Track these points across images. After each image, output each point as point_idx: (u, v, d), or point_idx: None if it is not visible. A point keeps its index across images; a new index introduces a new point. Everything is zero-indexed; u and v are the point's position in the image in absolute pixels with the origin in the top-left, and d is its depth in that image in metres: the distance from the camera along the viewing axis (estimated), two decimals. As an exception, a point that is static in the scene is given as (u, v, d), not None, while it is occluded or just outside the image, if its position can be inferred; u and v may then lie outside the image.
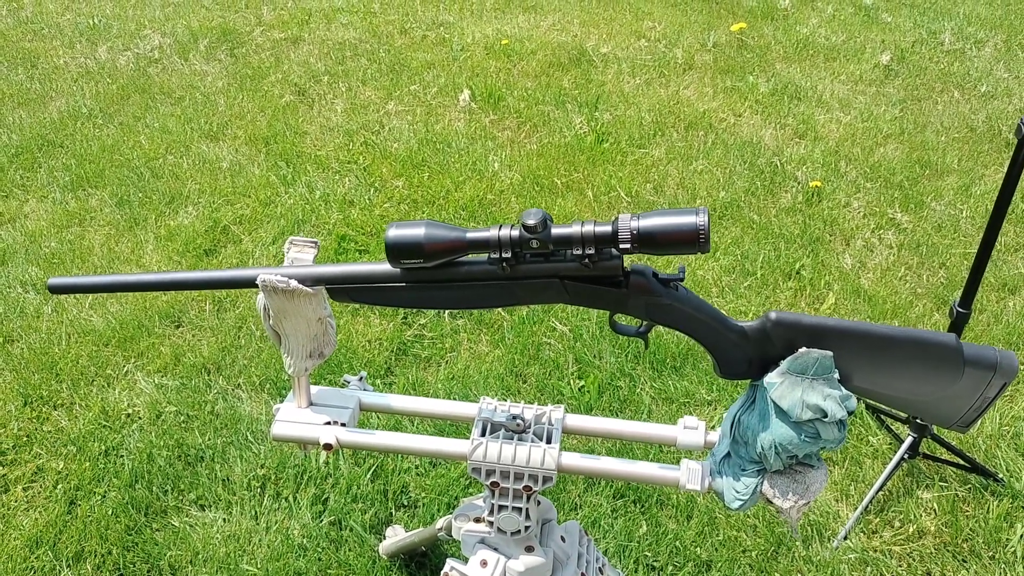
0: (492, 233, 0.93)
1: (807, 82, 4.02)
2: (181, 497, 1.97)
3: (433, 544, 1.76)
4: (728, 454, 1.04)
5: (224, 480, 2.00)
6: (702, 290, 2.64)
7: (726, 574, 1.80)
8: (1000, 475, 1.99)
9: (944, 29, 4.57)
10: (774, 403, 0.96)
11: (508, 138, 3.56)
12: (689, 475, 1.05)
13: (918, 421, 1.93)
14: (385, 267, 1.00)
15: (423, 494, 1.96)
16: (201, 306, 2.57)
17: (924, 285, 2.70)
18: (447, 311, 2.51)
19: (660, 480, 1.07)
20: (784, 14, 4.85)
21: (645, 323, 1.02)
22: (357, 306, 2.53)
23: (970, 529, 1.89)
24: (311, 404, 1.15)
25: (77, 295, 2.58)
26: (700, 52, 4.35)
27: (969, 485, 1.98)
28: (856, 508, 1.92)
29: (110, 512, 1.92)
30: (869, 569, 1.82)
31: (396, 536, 1.79)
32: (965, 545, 1.87)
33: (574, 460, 1.08)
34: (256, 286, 1.01)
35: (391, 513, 1.93)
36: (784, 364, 0.96)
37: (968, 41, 4.47)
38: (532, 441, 1.07)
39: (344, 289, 1.03)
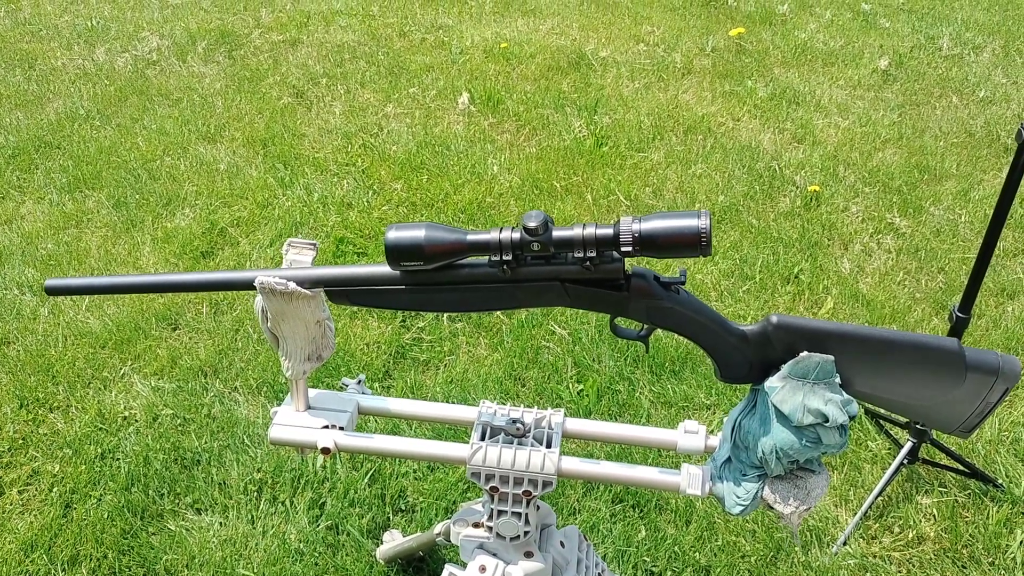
0: (493, 235, 0.93)
1: (805, 87, 4.03)
2: (177, 501, 1.96)
3: (431, 549, 1.75)
4: (729, 459, 1.03)
5: (220, 484, 1.99)
6: (701, 294, 2.64)
7: (725, 579, 1.80)
8: (1000, 481, 1.98)
9: (942, 34, 4.58)
10: (775, 407, 0.96)
11: (507, 141, 3.55)
12: (690, 480, 1.05)
13: (918, 426, 1.92)
14: (384, 269, 0.99)
15: (421, 498, 1.95)
16: (198, 308, 2.56)
17: (923, 290, 2.70)
18: (446, 314, 2.51)
19: (660, 485, 1.07)
20: (782, 19, 4.86)
21: (646, 327, 1.02)
22: (355, 309, 2.52)
23: (970, 535, 1.89)
24: (309, 407, 1.15)
25: (74, 297, 2.57)
26: (699, 56, 4.35)
27: (969, 491, 1.98)
28: (855, 513, 1.91)
29: (106, 515, 1.91)
30: (868, 575, 1.82)
31: (394, 541, 1.78)
32: (965, 551, 1.87)
33: (574, 464, 1.07)
34: (254, 288, 1.01)
35: (389, 518, 1.92)
36: (785, 368, 0.96)
37: (966, 46, 4.48)
38: (532, 445, 1.07)
39: (343, 291, 1.02)
